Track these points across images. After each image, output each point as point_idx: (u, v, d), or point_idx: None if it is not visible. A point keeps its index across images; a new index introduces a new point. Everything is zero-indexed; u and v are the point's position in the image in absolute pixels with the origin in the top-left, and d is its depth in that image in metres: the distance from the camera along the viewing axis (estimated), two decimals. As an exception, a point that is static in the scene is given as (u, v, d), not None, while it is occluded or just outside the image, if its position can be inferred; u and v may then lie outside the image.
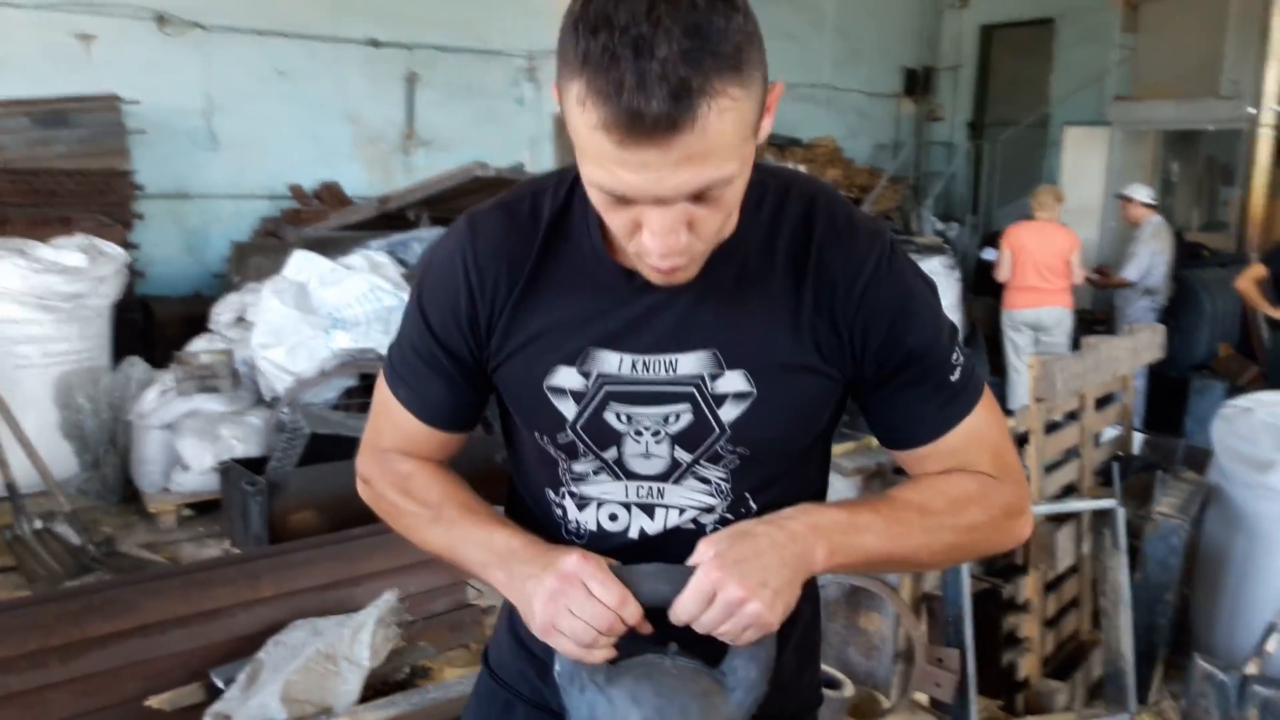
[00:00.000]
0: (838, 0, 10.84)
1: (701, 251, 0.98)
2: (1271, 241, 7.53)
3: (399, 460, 1.19)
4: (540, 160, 8.63)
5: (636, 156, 0.86)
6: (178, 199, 7.26)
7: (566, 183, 1.09)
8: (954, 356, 1.11)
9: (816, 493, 1.20)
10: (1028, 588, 2.98)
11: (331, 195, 7.54)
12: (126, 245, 5.91)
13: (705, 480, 1.10)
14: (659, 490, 1.10)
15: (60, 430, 4.82)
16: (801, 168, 9.05)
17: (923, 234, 7.37)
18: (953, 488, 1.11)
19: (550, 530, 1.15)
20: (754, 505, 1.11)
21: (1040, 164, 10.05)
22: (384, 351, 4.90)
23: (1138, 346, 3.54)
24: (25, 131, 6.41)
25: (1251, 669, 2.88)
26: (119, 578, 3.63)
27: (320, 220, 6.82)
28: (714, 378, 1.05)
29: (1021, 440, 3.04)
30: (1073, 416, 3.34)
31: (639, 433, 1.07)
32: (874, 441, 3.00)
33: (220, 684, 2.66)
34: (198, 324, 5.59)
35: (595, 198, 0.95)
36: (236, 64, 7.34)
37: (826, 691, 2.09)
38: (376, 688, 2.76)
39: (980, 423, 1.13)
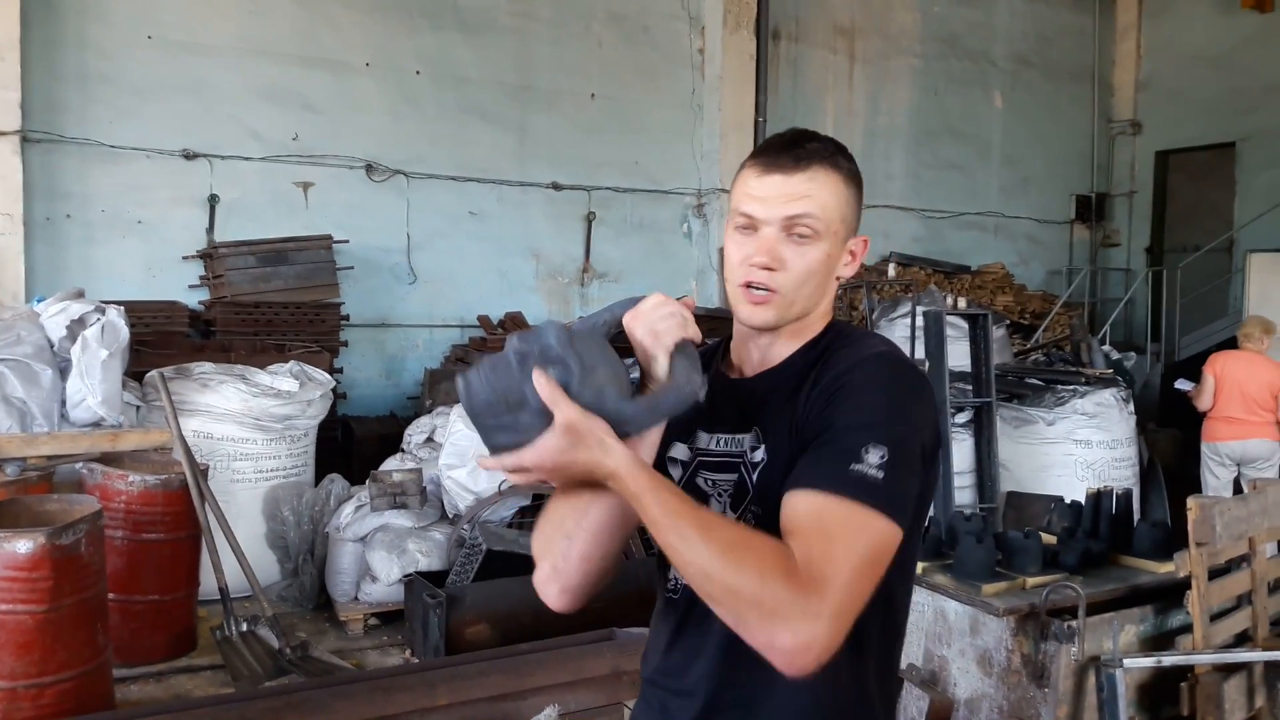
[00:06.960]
0: (1004, 131, 10.92)
1: (783, 292, 1.29)
2: None
3: None
4: (706, 289, 8.98)
5: (766, 182, 1.29)
6: (378, 328, 7.96)
7: (719, 342, 1.49)
8: (870, 453, 1.15)
9: None
10: (1194, 739, 2.89)
11: (515, 324, 8.07)
12: (332, 370, 6.52)
13: None
14: None
15: (266, 540, 5.32)
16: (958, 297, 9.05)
17: (1093, 365, 7.21)
18: (747, 538, 1.13)
19: (663, 589, 1.42)
20: None
21: (1224, 290, 9.70)
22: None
23: (1312, 490, 3.41)
24: (250, 269, 7.22)
25: None
26: (312, 680, 3.96)
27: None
28: (753, 449, 1.33)
29: (1185, 585, 3.00)
30: (1245, 561, 3.25)
31: (720, 494, 1.35)
32: (1028, 581, 3.04)
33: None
34: (392, 443, 6.05)
35: (730, 240, 1.33)
36: (433, 206, 8.09)
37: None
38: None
39: (835, 516, 1.13)
